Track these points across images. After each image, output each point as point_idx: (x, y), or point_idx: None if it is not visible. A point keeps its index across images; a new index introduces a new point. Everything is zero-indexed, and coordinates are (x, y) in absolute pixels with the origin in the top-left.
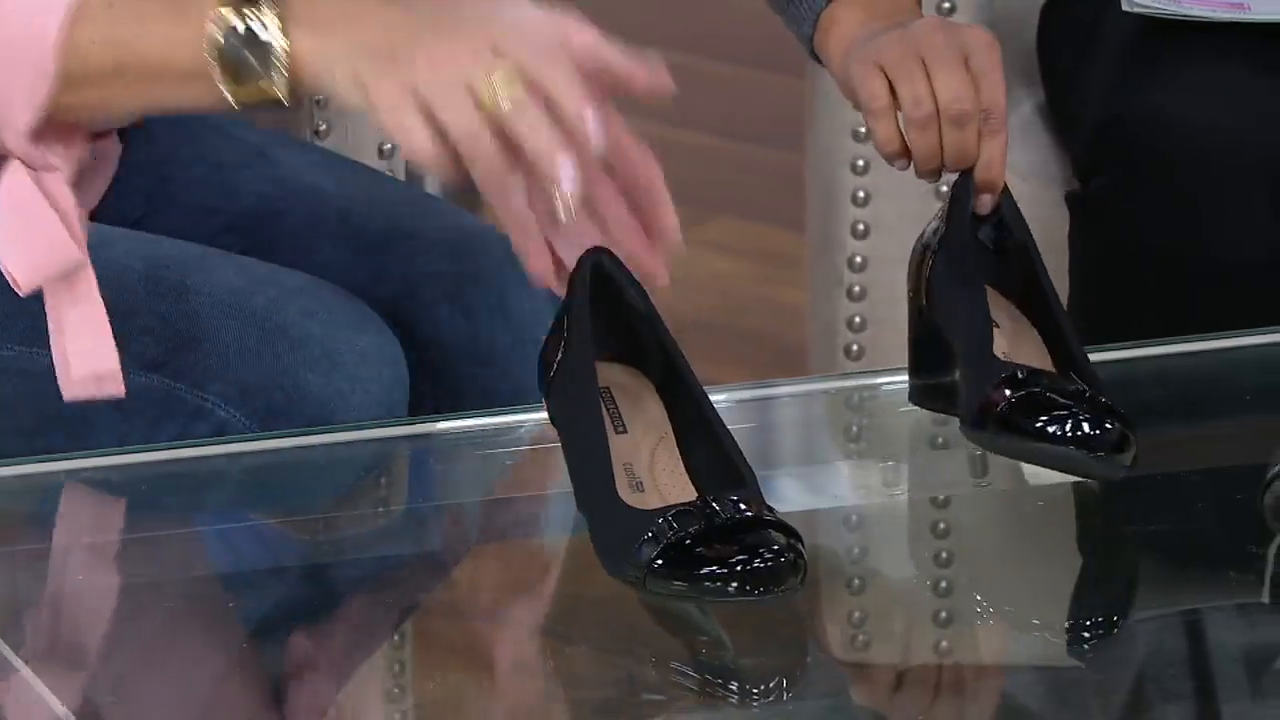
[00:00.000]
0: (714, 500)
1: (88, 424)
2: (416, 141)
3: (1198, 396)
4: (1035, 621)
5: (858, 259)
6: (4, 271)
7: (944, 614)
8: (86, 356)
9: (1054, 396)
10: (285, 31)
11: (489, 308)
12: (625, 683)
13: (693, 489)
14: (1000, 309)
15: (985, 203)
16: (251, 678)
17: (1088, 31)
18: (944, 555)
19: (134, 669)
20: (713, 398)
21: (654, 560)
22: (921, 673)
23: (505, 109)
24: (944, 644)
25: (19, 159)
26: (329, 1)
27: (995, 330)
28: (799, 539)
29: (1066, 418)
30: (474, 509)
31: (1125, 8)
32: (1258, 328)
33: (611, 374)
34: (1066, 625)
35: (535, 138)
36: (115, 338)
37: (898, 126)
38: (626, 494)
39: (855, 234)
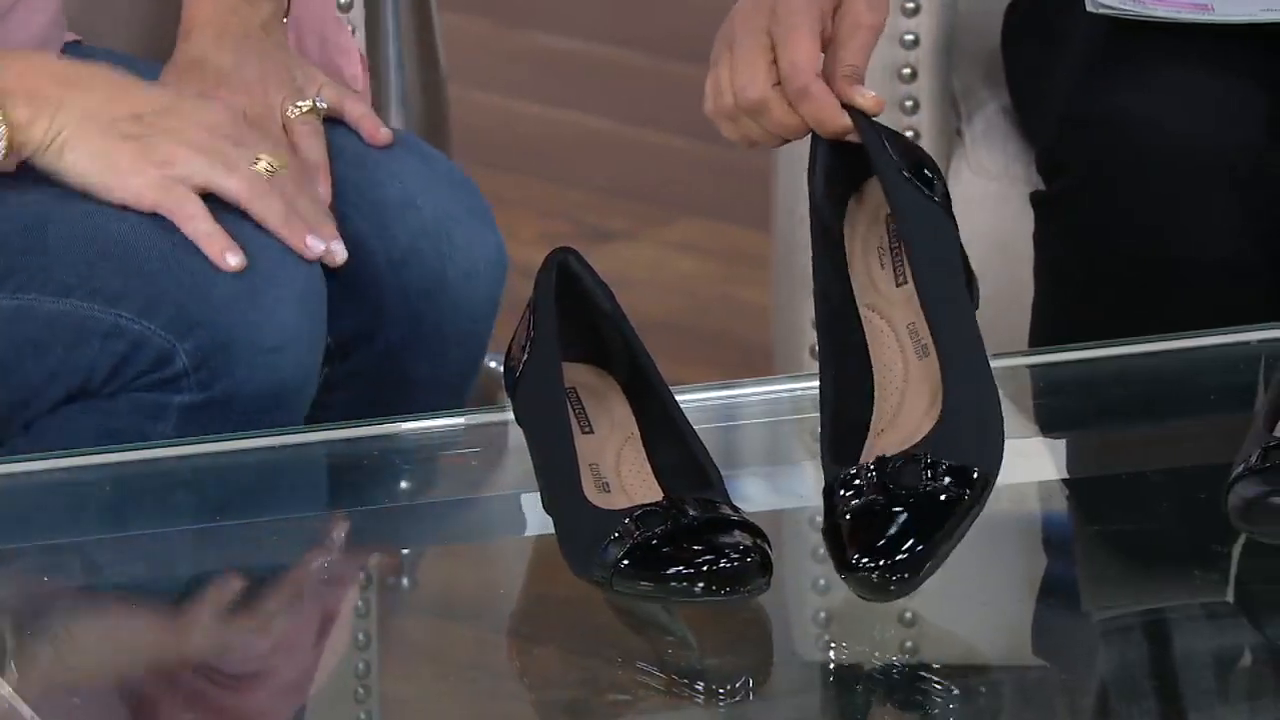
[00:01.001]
0: (680, 501)
1: (16, 362)
2: (194, 211)
3: (1161, 397)
4: (1000, 620)
5: None
6: None
7: (909, 614)
8: None
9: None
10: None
11: (399, 205)
12: (591, 683)
13: (659, 489)
14: None
15: (851, 136)
16: (213, 679)
17: (1052, 32)
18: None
19: (93, 670)
20: (678, 398)
21: (620, 560)
22: (887, 673)
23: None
24: (909, 643)
25: None
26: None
27: None
28: (765, 539)
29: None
30: (440, 509)
31: (1090, 8)
32: (1221, 328)
33: (578, 374)
34: (1032, 624)
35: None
36: (21, 273)
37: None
38: (593, 494)
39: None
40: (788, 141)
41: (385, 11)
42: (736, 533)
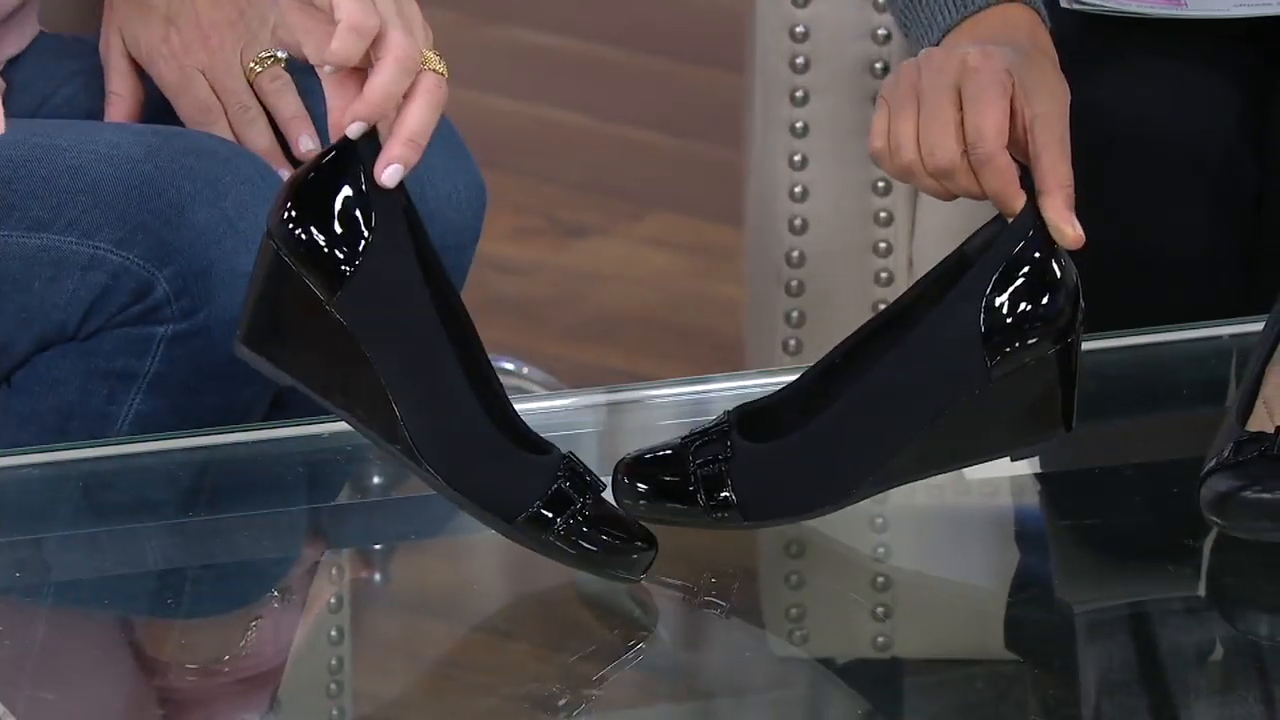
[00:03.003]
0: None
1: None
2: (369, 16)
3: (1134, 391)
4: (974, 613)
5: (795, 254)
6: None
7: (881, 609)
8: None
9: None
10: None
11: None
12: (565, 678)
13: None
14: None
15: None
16: (185, 674)
17: None
18: (883, 549)
19: (64, 664)
20: (651, 393)
21: (542, 533)
22: (862, 666)
23: (437, 69)
24: (882, 638)
25: None
26: None
27: None
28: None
29: None
30: (413, 505)
31: (1064, 4)
32: (1193, 322)
33: None
34: (1005, 617)
35: (421, 116)
36: None
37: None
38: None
39: (793, 229)
40: (956, 198)
41: None
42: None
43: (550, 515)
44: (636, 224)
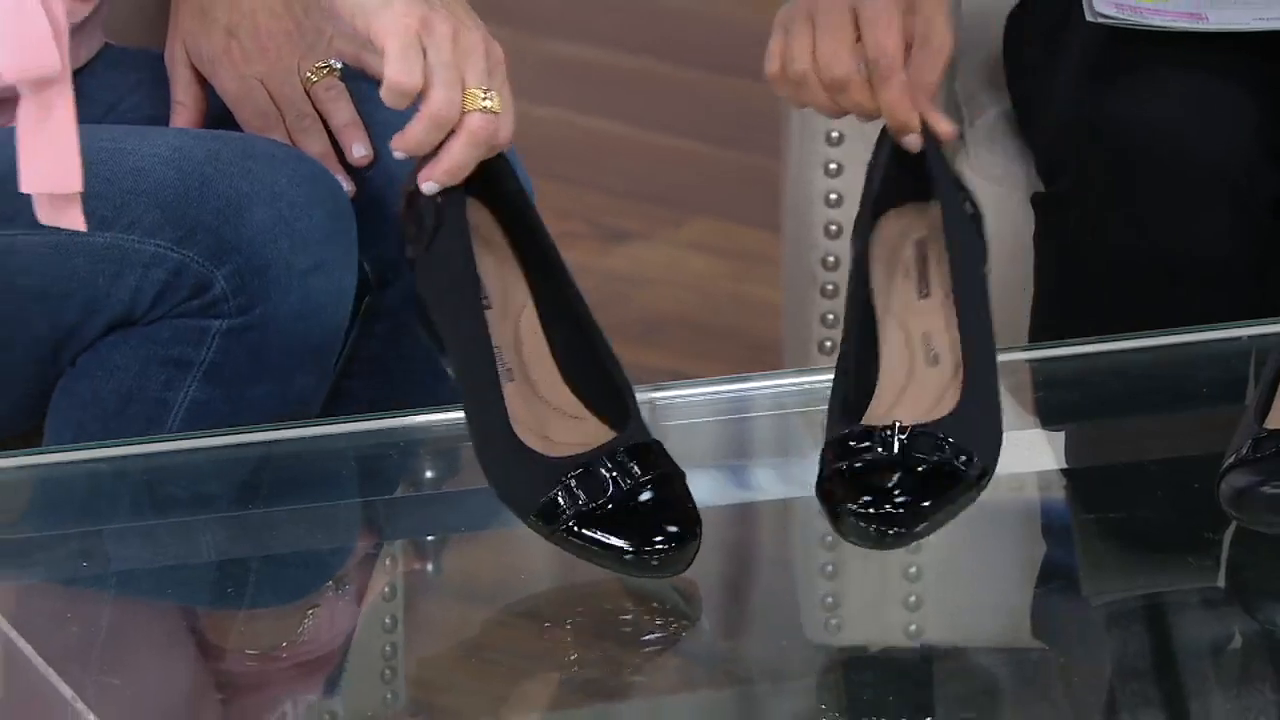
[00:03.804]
0: (623, 464)
1: (61, 295)
2: (409, 75)
3: (1156, 390)
4: (1001, 604)
5: (830, 258)
6: None
7: (913, 598)
8: (45, 177)
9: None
10: None
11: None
12: (608, 664)
13: (564, 387)
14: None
15: (911, 143)
16: (249, 659)
17: (1051, 40)
18: (915, 542)
19: (131, 648)
20: (690, 391)
21: (566, 522)
22: (893, 653)
23: (486, 106)
24: (913, 627)
25: None
26: None
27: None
28: (694, 503)
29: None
30: (463, 498)
31: (1089, 18)
32: (1213, 324)
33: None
34: (1031, 608)
35: (462, 155)
36: None
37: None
38: (507, 391)
39: (828, 234)
40: (845, 115)
41: None
42: (673, 505)
43: (553, 515)
44: (677, 229)
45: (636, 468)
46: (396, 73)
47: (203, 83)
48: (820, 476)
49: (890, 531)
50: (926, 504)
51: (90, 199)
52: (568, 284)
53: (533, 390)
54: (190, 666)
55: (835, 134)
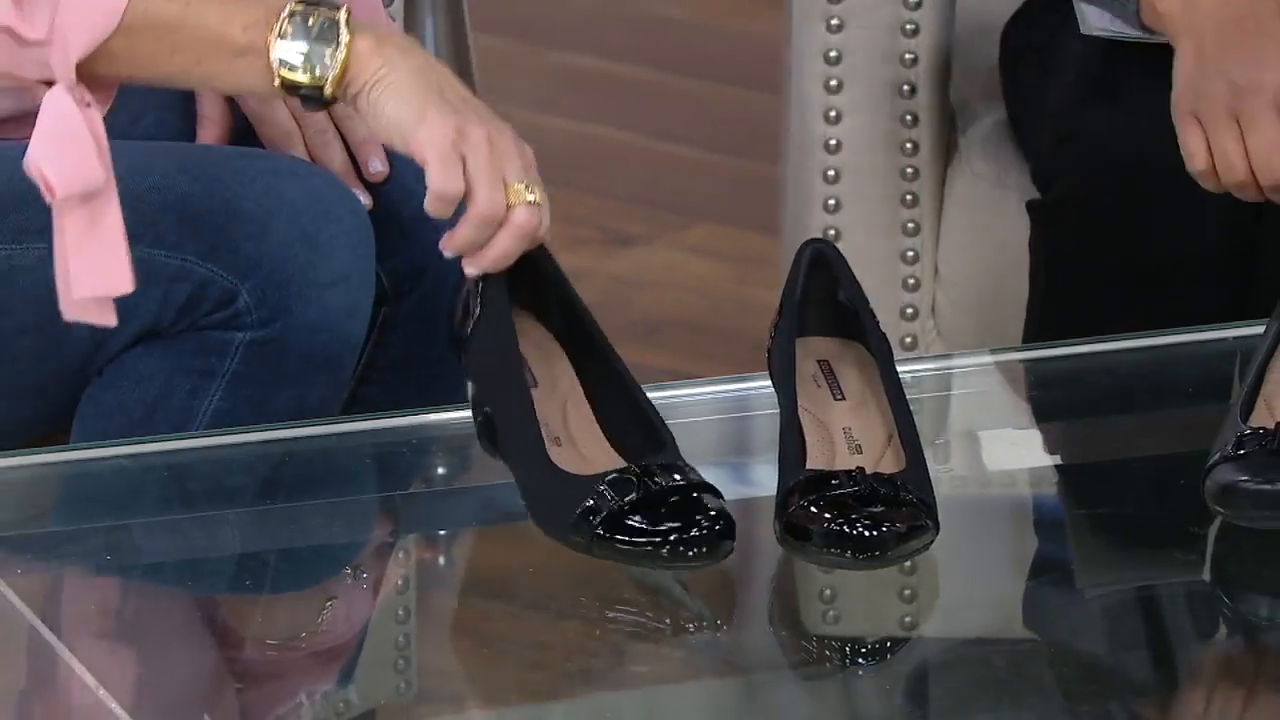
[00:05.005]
0: (648, 467)
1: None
2: (452, 183)
3: (1144, 389)
4: (994, 596)
5: None
6: (39, 177)
7: (909, 591)
8: (97, 282)
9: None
10: (350, 28)
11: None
12: (614, 655)
13: (610, 445)
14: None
15: None
16: (268, 648)
17: (1046, 51)
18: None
19: (156, 639)
20: (693, 391)
21: (597, 528)
22: (889, 644)
23: (530, 200)
24: (908, 618)
25: (62, 84)
26: (390, 32)
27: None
28: (723, 499)
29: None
30: (475, 494)
31: (1083, 31)
32: (1199, 326)
33: (521, 330)
34: (1023, 599)
35: (508, 246)
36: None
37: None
38: (553, 452)
39: (826, 238)
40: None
41: (424, 33)
42: (705, 498)
43: (587, 529)
44: (681, 234)
45: (675, 475)
46: (440, 182)
47: (228, 100)
48: (783, 514)
49: (862, 556)
50: (894, 526)
51: (145, 221)
52: (607, 355)
53: (578, 453)
54: (212, 654)
55: (833, 142)
